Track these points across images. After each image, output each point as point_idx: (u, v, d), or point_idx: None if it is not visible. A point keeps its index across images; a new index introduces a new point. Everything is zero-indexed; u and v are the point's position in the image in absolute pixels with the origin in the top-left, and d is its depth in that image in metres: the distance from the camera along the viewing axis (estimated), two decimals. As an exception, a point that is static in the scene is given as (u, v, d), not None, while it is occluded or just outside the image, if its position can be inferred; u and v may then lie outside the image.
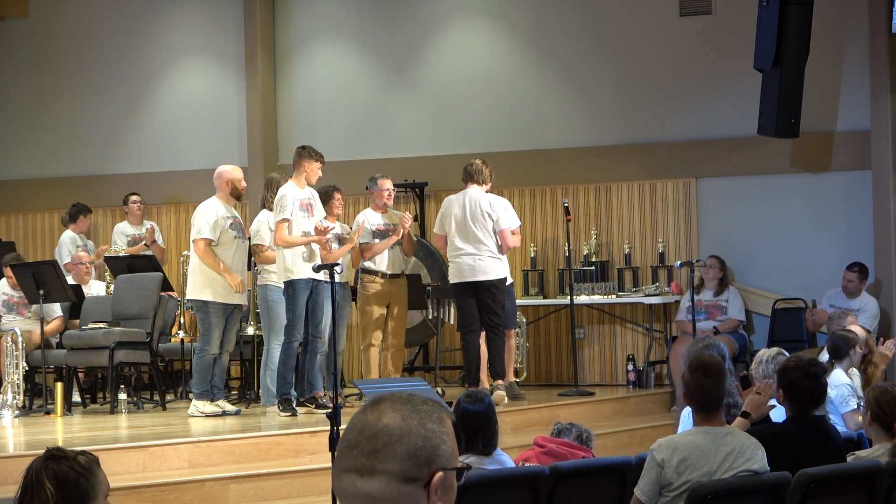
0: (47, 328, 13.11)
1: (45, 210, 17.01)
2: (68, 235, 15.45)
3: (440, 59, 15.73)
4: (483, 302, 12.35)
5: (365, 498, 2.64)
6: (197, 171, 16.02)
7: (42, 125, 17.11)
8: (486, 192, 12.61)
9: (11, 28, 17.22)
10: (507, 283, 12.54)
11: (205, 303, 11.70)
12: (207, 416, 11.63)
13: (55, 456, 4.40)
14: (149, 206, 16.11)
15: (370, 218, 12.85)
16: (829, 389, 8.85)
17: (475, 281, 12.32)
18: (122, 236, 15.61)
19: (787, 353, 8.27)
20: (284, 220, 11.63)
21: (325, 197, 12.40)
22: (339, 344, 12.22)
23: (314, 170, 11.80)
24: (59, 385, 12.34)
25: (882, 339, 11.23)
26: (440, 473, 2.65)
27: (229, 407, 11.91)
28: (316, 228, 11.67)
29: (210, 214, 11.78)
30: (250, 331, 13.14)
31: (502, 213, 12.40)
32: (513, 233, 12.52)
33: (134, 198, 15.77)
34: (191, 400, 13.13)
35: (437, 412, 2.70)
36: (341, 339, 12.38)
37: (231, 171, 12.01)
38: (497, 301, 12.34)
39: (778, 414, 7.16)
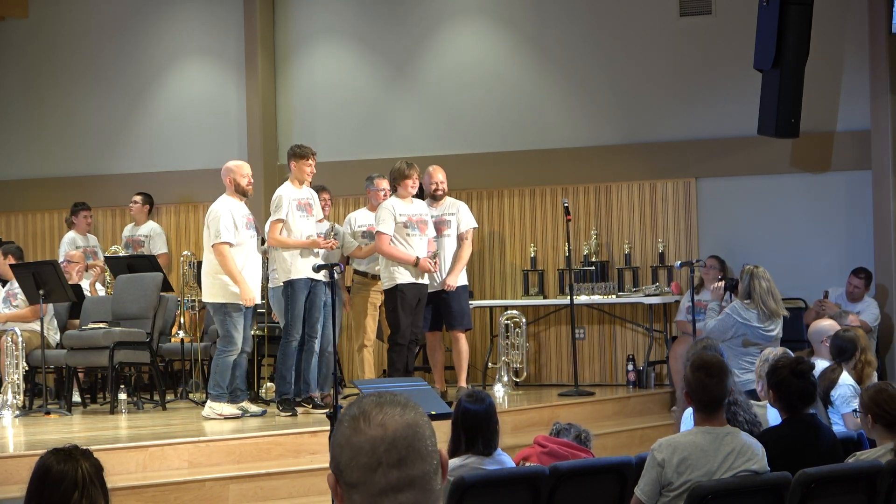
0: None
1: (45, 210, 17.00)
2: (68, 237, 15.50)
3: (440, 59, 15.72)
4: None
5: None
6: (197, 171, 16.03)
7: (42, 125, 17.10)
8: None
9: (11, 28, 17.21)
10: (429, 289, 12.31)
11: (223, 304, 11.46)
12: (226, 418, 11.34)
13: (86, 454, 4.41)
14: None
15: (359, 218, 12.87)
16: (832, 389, 8.84)
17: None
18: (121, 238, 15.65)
19: (791, 353, 8.25)
20: (279, 220, 11.61)
21: None
22: (331, 344, 12.04)
23: (301, 167, 11.74)
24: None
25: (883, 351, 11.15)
26: (444, 453, 2.69)
27: (254, 408, 11.69)
28: (316, 242, 11.63)
29: (225, 217, 11.44)
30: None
31: (378, 217, 12.24)
32: (463, 237, 12.51)
33: (136, 198, 15.75)
34: (192, 400, 13.16)
35: (410, 398, 2.73)
36: (333, 338, 12.32)
37: (234, 168, 11.72)
38: (386, 308, 12.33)
39: (774, 415, 7.16)
